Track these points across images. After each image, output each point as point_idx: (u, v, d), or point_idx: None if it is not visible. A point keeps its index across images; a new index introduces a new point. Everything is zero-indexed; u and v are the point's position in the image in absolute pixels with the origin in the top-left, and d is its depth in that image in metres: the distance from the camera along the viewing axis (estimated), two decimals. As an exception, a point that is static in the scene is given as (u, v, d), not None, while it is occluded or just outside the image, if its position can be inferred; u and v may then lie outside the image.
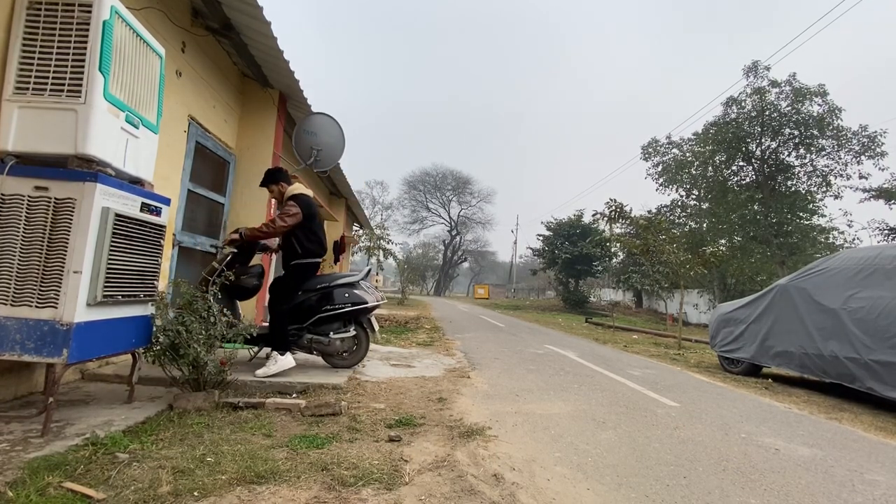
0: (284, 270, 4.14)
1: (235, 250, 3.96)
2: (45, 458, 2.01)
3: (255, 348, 4.37)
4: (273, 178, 4.18)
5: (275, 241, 4.37)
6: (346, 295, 4.21)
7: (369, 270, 4.69)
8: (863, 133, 19.51)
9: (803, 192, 20.92)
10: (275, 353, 3.84)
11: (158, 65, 2.95)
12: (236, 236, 3.89)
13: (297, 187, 4.10)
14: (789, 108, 20.09)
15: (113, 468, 1.96)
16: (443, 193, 50.62)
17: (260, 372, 3.70)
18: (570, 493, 2.14)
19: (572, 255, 26.63)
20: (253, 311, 5.58)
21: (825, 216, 20.69)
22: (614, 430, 3.19)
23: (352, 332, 4.27)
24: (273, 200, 5.93)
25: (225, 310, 3.61)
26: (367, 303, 4.23)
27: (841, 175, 20.24)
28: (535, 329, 12.70)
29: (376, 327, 4.52)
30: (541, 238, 29.87)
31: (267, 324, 4.21)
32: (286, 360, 3.83)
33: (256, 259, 4.40)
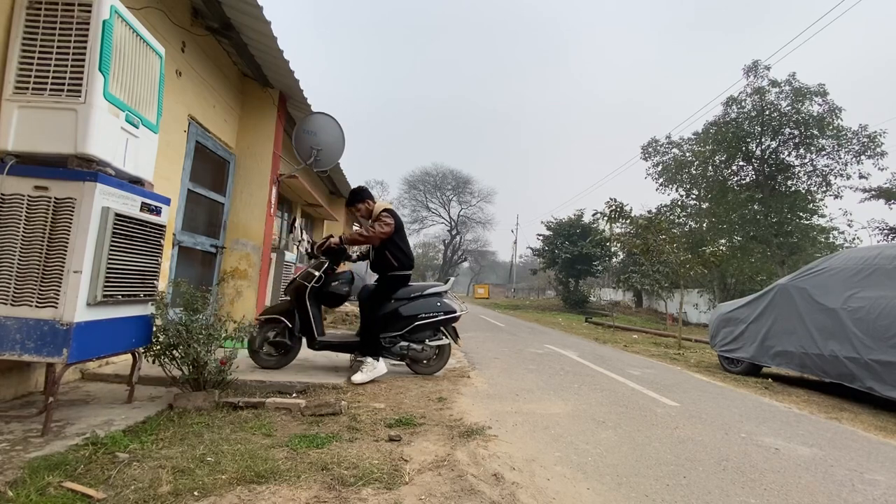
0: (379, 281, 4.32)
1: (327, 260, 4.14)
2: (46, 457, 2.01)
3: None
4: (360, 197, 4.37)
5: (354, 252, 4.63)
6: (439, 304, 4.39)
7: (454, 280, 4.82)
8: (863, 133, 19.50)
9: (803, 191, 20.91)
10: (370, 359, 4.03)
11: (158, 64, 2.95)
12: (335, 241, 4.10)
13: (386, 203, 4.36)
14: (789, 107, 20.09)
15: (113, 468, 1.96)
16: (443, 193, 50.54)
17: (356, 378, 3.86)
18: (570, 493, 2.14)
19: (572, 254, 26.61)
20: (253, 310, 5.58)
21: (825, 216, 20.72)
22: (614, 430, 3.19)
23: (446, 341, 4.51)
24: (272, 199, 5.95)
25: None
26: (456, 311, 4.43)
27: (841, 175, 20.24)
28: (534, 329, 12.70)
29: (459, 335, 4.75)
30: (541, 238, 29.85)
31: (351, 333, 4.43)
32: (381, 366, 4.06)
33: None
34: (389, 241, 4.21)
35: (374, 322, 4.18)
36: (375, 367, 4.01)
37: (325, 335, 4.24)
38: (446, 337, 4.48)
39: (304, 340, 4.18)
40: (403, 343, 4.29)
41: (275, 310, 4.18)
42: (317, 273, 4.06)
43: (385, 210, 4.26)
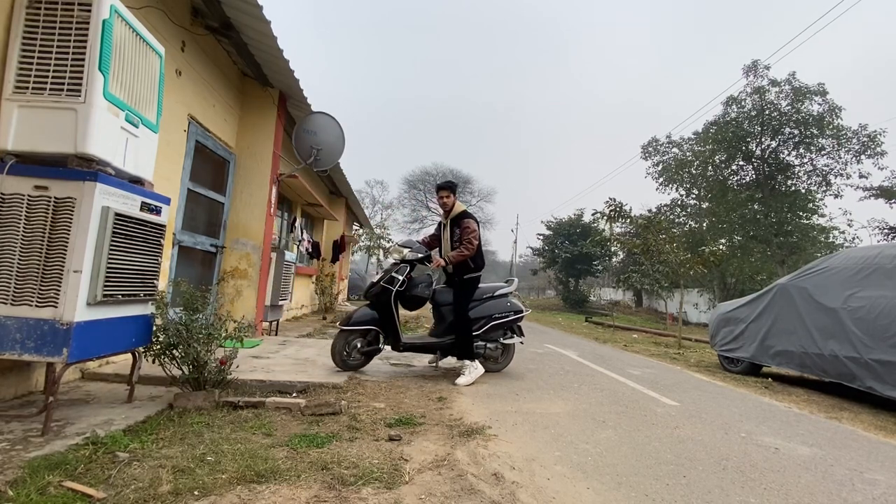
0: (455, 285, 4.44)
1: (407, 265, 4.29)
2: (46, 457, 2.01)
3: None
4: (454, 191, 4.54)
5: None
6: (509, 304, 4.56)
7: (517, 281, 4.95)
8: (862, 132, 19.53)
9: (803, 191, 20.94)
10: (468, 362, 4.28)
11: (158, 64, 2.95)
12: (442, 262, 4.31)
13: (464, 205, 4.50)
14: (789, 107, 20.11)
15: (113, 467, 1.96)
16: (443, 192, 50.48)
17: (461, 381, 4.11)
18: (570, 492, 2.14)
19: (572, 254, 26.64)
20: (253, 310, 5.58)
21: (825, 215, 20.75)
22: (614, 430, 3.19)
23: (515, 339, 4.69)
24: (272, 199, 5.94)
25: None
26: (523, 311, 4.60)
27: (841, 174, 20.29)
28: (534, 328, 12.70)
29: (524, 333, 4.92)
30: (541, 237, 29.89)
31: (431, 336, 4.57)
32: (480, 367, 4.33)
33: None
34: None
35: (470, 324, 4.34)
36: (477, 369, 4.28)
37: (405, 338, 4.40)
38: (515, 335, 4.68)
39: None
40: (480, 343, 4.45)
41: (355, 319, 4.19)
42: (400, 277, 4.19)
43: (468, 215, 4.43)
